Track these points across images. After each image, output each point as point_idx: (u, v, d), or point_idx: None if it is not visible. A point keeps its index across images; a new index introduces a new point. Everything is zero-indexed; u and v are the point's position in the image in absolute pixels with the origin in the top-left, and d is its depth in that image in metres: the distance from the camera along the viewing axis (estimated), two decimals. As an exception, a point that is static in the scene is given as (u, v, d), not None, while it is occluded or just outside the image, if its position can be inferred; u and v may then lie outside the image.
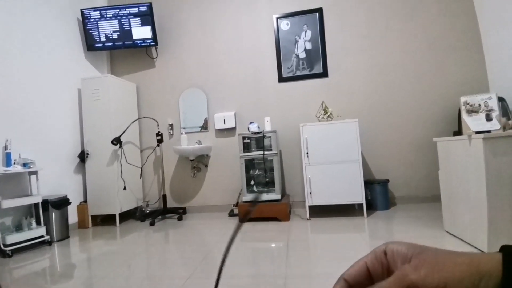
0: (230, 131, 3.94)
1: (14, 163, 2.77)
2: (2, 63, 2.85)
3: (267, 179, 3.47)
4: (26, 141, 3.00)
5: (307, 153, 3.09)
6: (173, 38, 4.16)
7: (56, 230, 3.02)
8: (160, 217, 3.73)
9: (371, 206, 3.29)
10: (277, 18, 3.83)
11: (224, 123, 3.88)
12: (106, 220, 3.74)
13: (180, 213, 3.74)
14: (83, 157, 3.61)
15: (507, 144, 1.82)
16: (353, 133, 3.01)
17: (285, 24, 3.81)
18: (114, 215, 3.54)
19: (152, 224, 3.43)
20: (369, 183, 3.30)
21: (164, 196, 3.85)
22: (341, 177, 3.02)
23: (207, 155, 3.99)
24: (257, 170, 3.51)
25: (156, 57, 4.21)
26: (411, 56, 3.52)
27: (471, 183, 1.96)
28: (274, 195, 3.24)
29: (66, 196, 3.19)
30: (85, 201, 3.63)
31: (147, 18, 3.92)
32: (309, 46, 3.74)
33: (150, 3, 3.90)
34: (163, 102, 4.16)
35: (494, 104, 1.96)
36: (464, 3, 3.40)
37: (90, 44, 3.94)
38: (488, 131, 1.92)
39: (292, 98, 3.78)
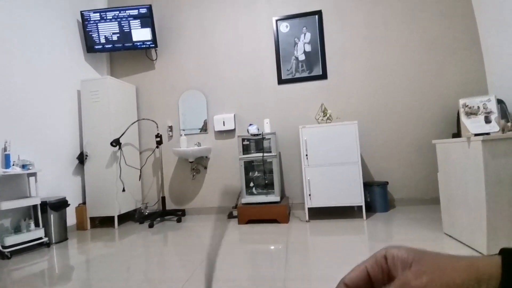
0: (230, 133, 3.94)
1: (13, 165, 2.76)
2: (2, 64, 2.85)
3: (266, 181, 3.47)
4: (25, 143, 3.00)
5: (307, 155, 3.09)
6: (173, 40, 4.17)
7: (54, 232, 3.01)
8: (159, 219, 3.72)
9: (370, 208, 3.29)
10: (276, 20, 3.84)
11: (224, 125, 3.88)
12: (104, 222, 3.72)
13: (179, 215, 3.73)
14: (82, 158, 3.61)
15: (506, 146, 1.82)
16: (352, 135, 3.01)
17: (284, 26, 3.82)
18: (112, 217, 3.53)
19: (151, 226, 3.42)
20: (368, 185, 3.30)
21: (163, 198, 3.84)
22: (341, 179, 3.02)
23: (206, 157, 3.99)
24: (256, 172, 3.50)
25: (156, 59, 4.22)
26: (410, 58, 3.53)
27: (470, 185, 1.96)
28: (273, 197, 3.24)
29: (65, 198, 3.19)
30: (84, 203, 3.62)
31: (147, 20, 3.93)
32: (308, 48, 3.75)
33: (150, 5, 3.91)
34: (163, 104, 4.16)
35: (493, 106, 1.97)
36: (463, 5, 3.42)
37: (90, 45, 3.94)
38: (487, 133, 1.92)
39: (292, 100, 3.79)
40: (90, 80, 3.69)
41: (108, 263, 2.32)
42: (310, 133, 3.10)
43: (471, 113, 2.02)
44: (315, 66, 3.72)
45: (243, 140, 3.40)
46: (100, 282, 1.95)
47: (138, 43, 3.98)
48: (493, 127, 1.94)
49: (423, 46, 3.50)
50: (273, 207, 3.15)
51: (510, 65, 2.95)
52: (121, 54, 4.29)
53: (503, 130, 1.91)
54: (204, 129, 4.01)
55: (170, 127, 4.09)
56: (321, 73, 3.70)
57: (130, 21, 3.94)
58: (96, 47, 3.96)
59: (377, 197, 3.26)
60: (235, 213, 3.56)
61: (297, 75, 3.77)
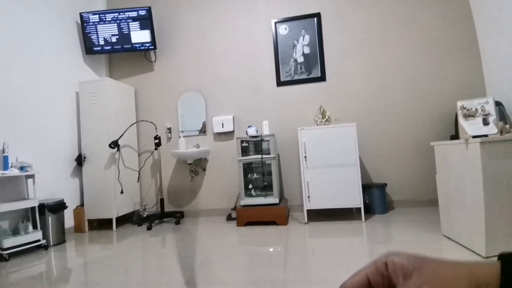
0: (228, 134, 3.94)
1: (11, 167, 2.75)
2: (1, 66, 2.84)
3: (265, 183, 3.46)
4: (24, 144, 2.99)
5: (305, 157, 3.09)
6: (172, 42, 4.17)
7: (52, 234, 3.00)
8: (157, 221, 3.71)
9: (369, 210, 3.29)
10: (275, 23, 3.85)
11: (222, 127, 3.88)
12: (102, 224, 3.71)
13: (177, 217, 3.72)
14: (80, 160, 3.60)
15: (504, 148, 1.83)
16: (351, 137, 3.01)
17: (283, 29, 3.83)
18: (110, 219, 3.51)
19: (149, 228, 3.41)
20: (367, 187, 3.30)
21: (162, 200, 3.83)
22: (339, 181, 3.02)
23: (205, 158, 3.98)
24: (255, 174, 3.50)
25: (155, 61, 4.22)
26: (408, 60, 3.54)
27: (468, 187, 1.96)
28: (272, 199, 3.23)
29: (63, 200, 3.17)
30: (82, 205, 3.61)
31: (146, 22, 3.93)
32: (307, 50, 3.76)
33: (149, 7, 3.91)
34: (162, 106, 4.16)
35: (491, 108, 1.97)
36: (461, 7, 3.44)
37: (89, 47, 3.94)
38: (485, 135, 1.93)
39: (290, 102, 3.79)
40: (89, 81, 3.69)
41: (106, 265, 2.31)
42: (309, 135, 3.10)
43: (469, 115, 2.03)
44: (314, 68, 3.73)
45: (242, 142, 3.40)
46: (98, 285, 1.94)
47: (137, 45, 3.99)
48: (491, 129, 1.94)
49: (422, 48, 3.51)
50: (272, 209, 3.15)
51: (508, 67, 2.97)
52: (120, 55, 4.29)
53: (501, 132, 1.92)
54: (203, 131, 4.00)
55: (169, 128, 4.09)
56: (319, 75, 3.71)
57: (129, 23, 3.94)
58: (95, 48, 3.96)
59: (376, 199, 3.26)
60: (233, 215, 3.56)
61: (296, 77, 3.78)
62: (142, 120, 4.13)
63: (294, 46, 3.79)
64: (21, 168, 2.78)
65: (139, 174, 4.07)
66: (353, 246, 2.32)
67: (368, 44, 3.64)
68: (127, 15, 3.93)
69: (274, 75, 3.84)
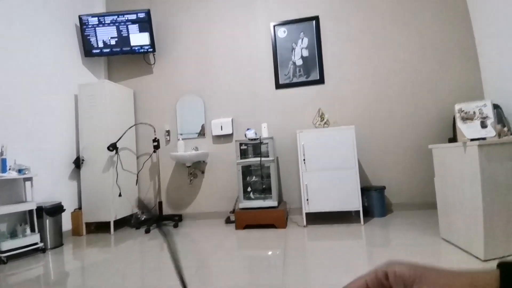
0: (227, 137, 3.94)
1: (9, 169, 2.74)
2: (-2, 69, 2.84)
3: (264, 186, 3.46)
4: (22, 147, 2.98)
5: (304, 159, 3.09)
6: (171, 44, 4.18)
7: (50, 238, 2.98)
8: (155, 224, 3.69)
9: (368, 213, 3.29)
10: (274, 26, 3.87)
11: (221, 130, 3.88)
12: (100, 228, 3.69)
13: (176, 220, 3.70)
14: (78, 163, 3.59)
15: (502, 151, 1.84)
16: (350, 140, 3.02)
17: (282, 32, 3.85)
18: (108, 223, 3.50)
19: (147, 231, 3.39)
20: (366, 190, 3.30)
21: (160, 203, 3.82)
22: (338, 184, 3.02)
23: (204, 161, 3.98)
24: (254, 177, 3.50)
25: (154, 63, 4.22)
26: (406, 64, 3.55)
27: (466, 190, 1.96)
28: (271, 202, 3.23)
29: (60, 203, 3.16)
30: (80, 208, 3.59)
31: (145, 24, 3.94)
32: (305, 53, 3.77)
33: (148, 10, 3.92)
34: (160, 108, 4.16)
35: (489, 111, 1.98)
36: (459, 11, 3.46)
37: (88, 50, 3.94)
38: (483, 138, 1.93)
39: (289, 104, 3.80)
40: (88, 84, 3.68)
41: (104, 269, 2.29)
42: (307, 137, 3.11)
43: (467, 118, 2.03)
44: (313, 71, 3.74)
45: (240, 144, 3.40)
46: (96, 288, 1.92)
47: (136, 48, 3.99)
48: (489, 132, 1.95)
49: (419, 52, 3.53)
50: (270, 212, 3.14)
51: (506, 70, 2.98)
52: (119, 58, 4.30)
53: (499, 135, 1.92)
54: (201, 133, 4.00)
55: (168, 131, 4.08)
56: (318, 78, 3.72)
57: (128, 26, 3.95)
58: (94, 51, 3.97)
59: (375, 202, 3.26)
60: (232, 218, 3.55)
61: (295, 80, 3.79)
62: (141, 123, 4.13)
63: (293, 49, 3.80)
64: (19, 171, 2.77)
65: (137, 177, 4.06)
66: (352, 249, 2.32)
67: (366, 47, 3.65)
68: (126, 18, 3.94)
69: (273, 77, 3.85)
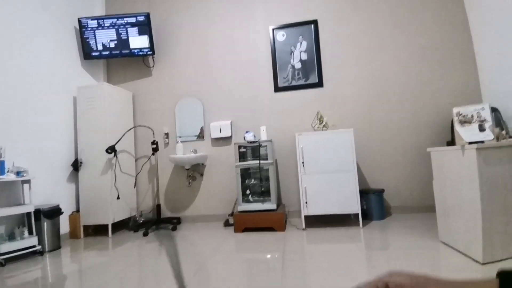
0: (226, 140, 3.94)
1: (8, 171, 2.73)
2: (-3, 71, 2.84)
3: (262, 189, 3.46)
4: (20, 149, 2.97)
5: (303, 162, 3.09)
6: (170, 47, 4.19)
7: (48, 240, 2.97)
8: (154, 227, 3.68)
9: (367, 215, 3.28)
10: (273, 29, 3.88)
11: (220, 132, 3.88)
12: (98, 231, 3.67)
13: (174, 223, 3.69)
14: (76, 165, 3.58)
15: (500, 154, 1.84)
16: (348, 143, 3.02)
17: (281, 35, 3.86)
18: (106, 225, 3.48)
19: (145, 234, 3.38)
20: (365, 193, 3.30)
21: (158, 206, 3.81)
22: (337, 187, 3.02)
23: (202, 164, 3.97)
24: (252, 180, 3.49)
25: (153, 66, 4.23)
26: (404, 67, 3.57)
27: (465, 193, 1.96)
28: (270, 205, 3.22)
29: (58, 205, 3.15)
30: (77, 210, 3.58)
31: (145, 27, 3.95)
32: (304, 56, 3.78)
33: (148, 13, 3.93)
34: (159, 111, 4.16)
35: (487, 114, 1.99)
36: (457, 14, 3.48)
37: (87, 52, 3.95)
38: (481, 142, 1.94)
39: (288, 107, 3.81)
40: (87, 86, 3.68)
41: (101, 272, 2.28)
42: (306, 140, 3.11)
43: (465, 121, 2.04)
44: (311, 74, 3.75)
45: (239, 147, 3.40)
46: (93, 292, 1.91)
47: (136, 50, 4.00)
48: (487, 135, 1.95)
49: (417, 55, 3.55)
50: (269, 215, 3.14)
51: (504, 73, 3.00)
52: (118, 61, 4.30)
53: (497, 138, 1.93)
54: (200, 136, 4.00)
55: (167, 134, 4.08)
56: (317, 81, 3.73)
57: (128, 29, 3.96)
58: (93, 53, 3.97)
59: (374, 205, 3.26)
60: (231, 221, 3.54)
61: (294, 83, 3.80)
62: (139, 125, 4.12)
63: (292, 52, 3.82)
64: (18, 173, 2.76)
65: (136, 179, 4.05)
66: (351, 252, 2.31)
67: (365, 50, 3.67)
68: (125, 21, 3.95)
69: (272, 80, 3.86)
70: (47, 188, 3.25)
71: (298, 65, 3.79)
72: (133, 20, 3.95)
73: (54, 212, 3.06)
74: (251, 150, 3.48)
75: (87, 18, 3.92)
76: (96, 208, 3.49)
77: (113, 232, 3.54)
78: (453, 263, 1.93)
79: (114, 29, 3.96)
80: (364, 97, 3.64)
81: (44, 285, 2.12)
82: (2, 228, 2.73)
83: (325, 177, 3.05)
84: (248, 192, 3.44)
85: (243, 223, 3.19)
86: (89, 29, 3.93)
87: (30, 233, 2.84)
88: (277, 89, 3.84)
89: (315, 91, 3.75)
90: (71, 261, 2.65)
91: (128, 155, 3.96)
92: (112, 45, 3.98)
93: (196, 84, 4.08)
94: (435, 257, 2.07)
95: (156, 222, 3.67)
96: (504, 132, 1.96)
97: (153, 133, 3.96)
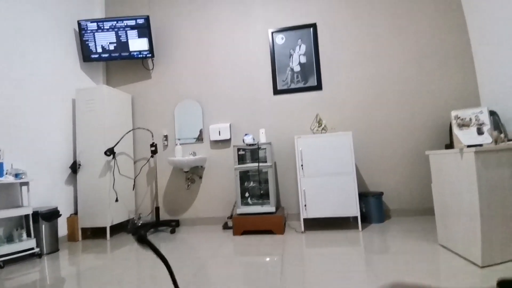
0: (225, 142, 3.94)
1: (6, 173, 2.72)
2: (-4, 73, 2.84)
3: (261, 191, 3.45)
4: (19, 151, 2.96)
5: (302, 165, 3.10)
6: (170, 50, 4.20)
7: (46, 243, 2.95)
8: (152, 230, 3.67)
9: (366, 218, 3.28)
10: (272, 33, 3.90)
11: (219, 135, 3.88)
12: (96, 233, 3.66)
13: (173, 225, 3.68)
14: (75, 168, 3.57)
15: (499, 157, 1.85)
16: (347, 145, 3.03)
17: (280, 38, 3.88)
18: (104, 228, 3.47)
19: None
20: (364, 196, 3.30)
21: (157, 208, 3.80)
22: (336, 190, 3.02)
23: (201, 166, 3.97)
24: (251, 182, 3.49)
25: (152, 69, 4.23)
26: (403, 70, 3.59)
27: (463, 196, 1.97)
28: (269, 208, 3.22)
29: (57, 208, 3.13)
30: (76, 213, 3.57)
31: (144, 30, 3.96)
32: (303, 59, 3.80)
33: (148, 16, 3.95)
34: (158, 113, 4.16)
35: (485, 118, 2.00)
36: (455, 17, 3.51)
37: (86, 55, 3.95)
38: (480, 145, 1.95)
39: (287, 110, 3.81)
40: (86, 88, 3.68)
41: (99, 276, 2.27)
42: (305, 143, 3.11)
43: (463, 124, 2.05)
44: (310, 77, 3.76)
45: (238, 150, 3.40)
46: (91, 295, 1.90)
47: (135, 53, 4.00)
48: (486, 139, 1.96)
49: (416, 58, 3.57)
50: (268, 218, 3.13)
51: (502, 76, 3.01)
52: (117, 63, 4.31)
53: (496, 141, 1.94)
54: (199, 138, 4.00)
55: (166, 136, 4.08)
56: (316, 84, 3.74)
57: (127, 31, 3.97)
58: (93, 56, 3.97)
59: (373, 208, 3.25)
60: (230, 223, 3.53)
61: (293, 86, 3.81)
62: (138, 128, 4.12)
63: (291, 55, 3.83)
64: (16, 175, 2.76)
65: (134, 182, 4.04)
66: (350, 256, 2.31)
67: (363, 54, 3.69)
68: (125, 24, 3.96)
69: (271, 83, 3.87)
70: (45, 190, 3.24)
71: (297, 68, 3.81)
72: (132, 23, 3.96)
73: (52, 215, 3.04)
74: (250, 153, 3.48)
75: (86, 20, 3.93)
76: (94, 210, 3.48)
77: (111, 234, 3.52)
78: (452, 266, 1.92)
79: (114, 32, 3.97)
80: (362, 100, 3.65)
81: (42, 288, 2.10)
82: (0, 230, 2.73)
83: (324, 180, 3.05)
84: (247, 194, 3.44)
85: (242, 226, 3.18)
86: (88, 31, 3.94)
87: (29, 235, 2.83)
88: (276, 91, 3.84)
89: (314, 94, 3.76)
90: (69, 264, 2.63)
91: (127, 157, 3.95)
92: (111, 47, 3.99)
93: (195, 87, 4.09)
94: (435, 260, 2.07)
95: (154, 225, 3.66)
96: (502, 135, 1.97)
97: (152, 136, 3.95)
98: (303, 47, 3.80)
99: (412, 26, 3.60)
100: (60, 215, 3.14)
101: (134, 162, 4.14)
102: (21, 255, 2.69)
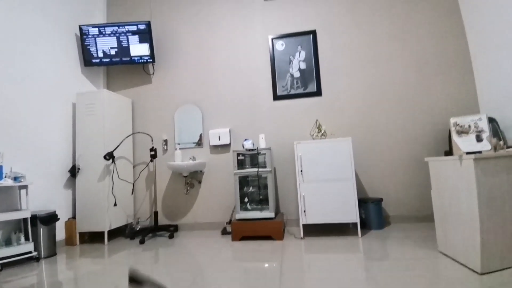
0: (225, 147, 3.94)
1: (5, 177, 2.72)
2: (-2, 77, 2.85)
3: (261, 197, 3.45)
4: (18, 154, 2.96)
5: (301, 170, 3.10)
6: (170, 55, 4.23)
7: (43, 247, 2.94)
8: (150, 234, 3.65)
9: (365, 225, 3.27)
10: (272, 39, 3.93)
11: (219, 140, 3.88)
12: (94, 238, 3.64)
13: (171, 230, 3.66)
14: (74, 171, 3.56)
15: (498, 164, 1.85)
16: (347, 151, 3.03)
17: (280, 45, 3.91)
18: (102, 233, 3.45)
19: (141, 242, 3.35)
20: (363, 202, 3.29)
21: (156, 213, 3.78)
22: (335, 196, 3.02)
23: (201, 171, 3.96)
24: (251, 187, 3.48)
25: (153, 73, 4.25)
26: (402, 77, 3.61)
27: (463, 203, 1.97)
28: (268, 213, 3.21)
29: (55, 211, 3.12)
30: (74, 217, 3.55)
31: (145, 35, 3.99)
32: (303, 66, 3.82)
33: (149, 22, 3.98)
34: (158, 118, 4.17)
35: (484, 125, 2.01)
36: (454, 24, 3.54)
37: (87, 59, 3.97)
38: (479, 152, 1.95)
39: (287, 116, 3.83)
40: (86, 93, 3.69)
41: (96, 281, 2.25)
42: (305, 149, 3.12)
43: (462, 131, 2.06)
44: (310, 83, 3.78)
45: (238, 155, 3.40)
46: (88, 300, 1.88)
47: (136, 58, 4.03)
48: (485, 146, 1.97)
49: (415, 65, 3.59)
50: (267, 223, 3.12)
51: (501, 83, 3.03)
52: (118, 68, 4.33)
53: (495, 148, 1.94)
54: (199, 143, 4.00)
55: (165, 140, 4.08)
56: (315, 90, 3.76)
57: (129, 36, 4.00)
58: (94, 60, 4.00)
59: (372, 214, 3.25)
60: (229, 229, 3.52)
61: (292, 92, 3.83)
62: (138, 132, 4.13)
63: (291, 61, 3.86)
64: (15, 179, 2.75)
65: (133, 186, 4.03)
66: (349, 262, 2.30)
67: (363, 60, 3.71)
68: (126, 29, 3.99)
69: (271, 89, 3.89)
70: (44, 194, 3.23)
71: (297, 74, 3.83)
72: (134, 28, 3.99)
73: (50, 218, 3.03)
74: (249, 158, 3.48)
75: (88, 25, 3.96)
76: (93, 214, 3.46)
77: (109, 239, 3.50)
78: (451, 273, 1.92)
79: (115, 37, 4.00)
80: (362, 107, 3.67)
81: (39, 293, 2.09)
82: (-2, 234, 2.72)
83: (323, 185, 3.05)
84: (246, 200, 3.43)
85: (241, 232, 3.17)
86: (90, 36, 3.96)
87: (27, 239, 2.82)
88: (276, 97, 3.86)
89: (314, 100, 3.77)
90: (66, 268, 2.62)
91: (126, 161, 3.95)
92: (112, 52, 4.01)
93: (195, 92, 4.10)
94: (434, 267, 2.06)
95: (153, 230, 3.64)
96: (501, 142, 1.98)
97: (152, 140, 3.96)
98: (303, 53, 3.83)
99: (411, 33, 3.63)
100: (58, 219, 3.13)
101: (134, 167, 4.13)
102: (19, 258, 2.68)
